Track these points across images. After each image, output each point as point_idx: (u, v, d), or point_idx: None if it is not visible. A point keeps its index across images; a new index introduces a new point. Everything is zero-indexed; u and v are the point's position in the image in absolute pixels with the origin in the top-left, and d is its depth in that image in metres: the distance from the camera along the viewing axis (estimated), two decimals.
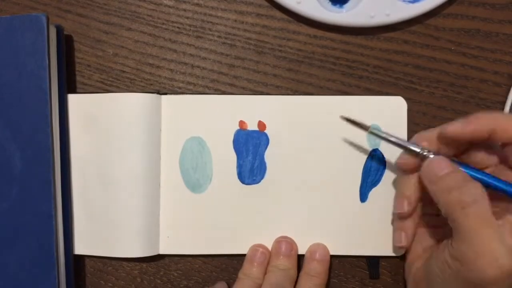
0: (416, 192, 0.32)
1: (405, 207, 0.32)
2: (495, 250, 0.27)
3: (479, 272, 0.27)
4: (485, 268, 0.27)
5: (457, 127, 0.30)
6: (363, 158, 0.35)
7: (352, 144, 0.35)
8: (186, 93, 0.37)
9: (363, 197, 0.35)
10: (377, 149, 0.35)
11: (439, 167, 0.29)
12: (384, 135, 0.32)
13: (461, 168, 0.30)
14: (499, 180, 0.30)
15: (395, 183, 0.35)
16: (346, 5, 0.36)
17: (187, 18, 0.37)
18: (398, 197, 0.33)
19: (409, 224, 0.33)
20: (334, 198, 0.35)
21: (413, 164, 0.31)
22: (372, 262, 0.36)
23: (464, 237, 0.28)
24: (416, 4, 0.35)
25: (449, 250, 0.29)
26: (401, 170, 0.33)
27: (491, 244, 0.27)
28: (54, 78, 0.35)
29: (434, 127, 0.35)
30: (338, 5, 0.36)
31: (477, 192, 0.28)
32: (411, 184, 0.32)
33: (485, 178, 0.30)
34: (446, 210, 0.29)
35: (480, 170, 0.30)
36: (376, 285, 0.36)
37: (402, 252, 0.35)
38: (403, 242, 0.33)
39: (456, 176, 0.29)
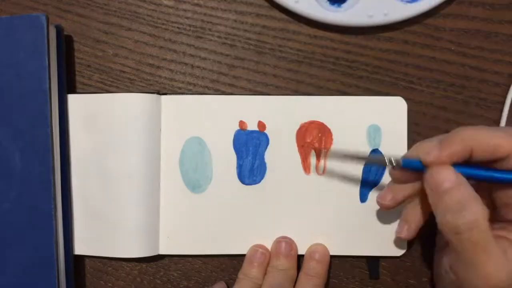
0: (418, 217, 0.32)
1: (404, 232, 0.32)
2: (489, 274, 0.26)
3: None
4: None
5: (435, 156, 0.28)
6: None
7: (352, 144, 0.35)
8: (186, 93, 0.37)
9: (363, 197, 0.35)
10: (377, 149, 0.35)
11: (442, 178, 0.28)
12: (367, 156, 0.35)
13: (460, 175, 0.28)
14: (504, 172, 0.28)
15: None
16: (344, 5, 0.36)
17: (187, 18, 0.37)
18: (400, 221, 0.33)
19: (416, 218, 0.32)
20: (334, 198, 0.35)
21: (407, 176, 0.31)
22: (372, 262, 0.36)
23: (458, 257, 0.28)
24: (414, 4, 0.35)
25: (448, 259, 0.29)
26: (396, 182, 0.32)
27: (485, 268, 0.26)
28: (54, 78, 0.35)
29: (434, 127, 0.36)
30: (336, 5, 0.36)
31: (472, 218, 0.26)
32: (412, 207, 0.32)
33: (488, 174, 0.28)
34: (441, 229, 0.28)
35: (481, 166, 0.29)
36: (376, 285, 0.36)
37: (402, 252, 0.35)
38: (403, 234, 0.32)
39: (456, 195, 0.27)
